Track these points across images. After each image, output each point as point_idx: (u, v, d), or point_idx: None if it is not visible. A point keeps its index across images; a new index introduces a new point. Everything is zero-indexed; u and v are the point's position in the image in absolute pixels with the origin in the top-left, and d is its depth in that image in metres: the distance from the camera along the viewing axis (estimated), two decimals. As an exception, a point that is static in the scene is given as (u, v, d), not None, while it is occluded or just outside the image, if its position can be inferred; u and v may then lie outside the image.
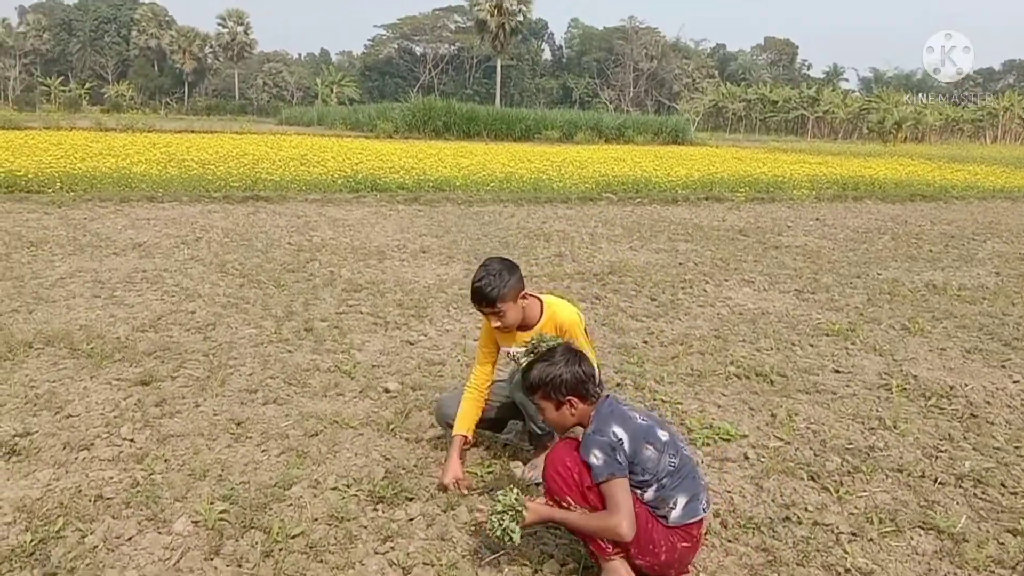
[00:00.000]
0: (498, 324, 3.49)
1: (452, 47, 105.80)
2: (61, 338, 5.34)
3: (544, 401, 2.88)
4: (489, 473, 3.67)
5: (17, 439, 3.78)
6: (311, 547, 2.98)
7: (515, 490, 2.75)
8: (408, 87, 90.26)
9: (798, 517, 3.33)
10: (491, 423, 3.87)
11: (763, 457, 3.92)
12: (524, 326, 3.55)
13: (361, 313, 6.37)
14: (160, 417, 4.14)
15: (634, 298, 7.26)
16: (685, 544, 2.75)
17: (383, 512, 3.28)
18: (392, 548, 3.01)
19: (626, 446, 2.68)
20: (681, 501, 2.72)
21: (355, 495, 3.40)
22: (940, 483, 3.70)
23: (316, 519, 3.19)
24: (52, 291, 6.64)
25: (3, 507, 3.16)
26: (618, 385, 4.90)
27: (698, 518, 2.76)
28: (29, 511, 3.14)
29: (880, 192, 17.89)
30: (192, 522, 3.11)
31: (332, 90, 79.19)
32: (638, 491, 2.70)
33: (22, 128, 30.84)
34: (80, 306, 6.22)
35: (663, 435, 2.78)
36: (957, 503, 3.50)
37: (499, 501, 2.72)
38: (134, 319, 5.93)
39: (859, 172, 20.72)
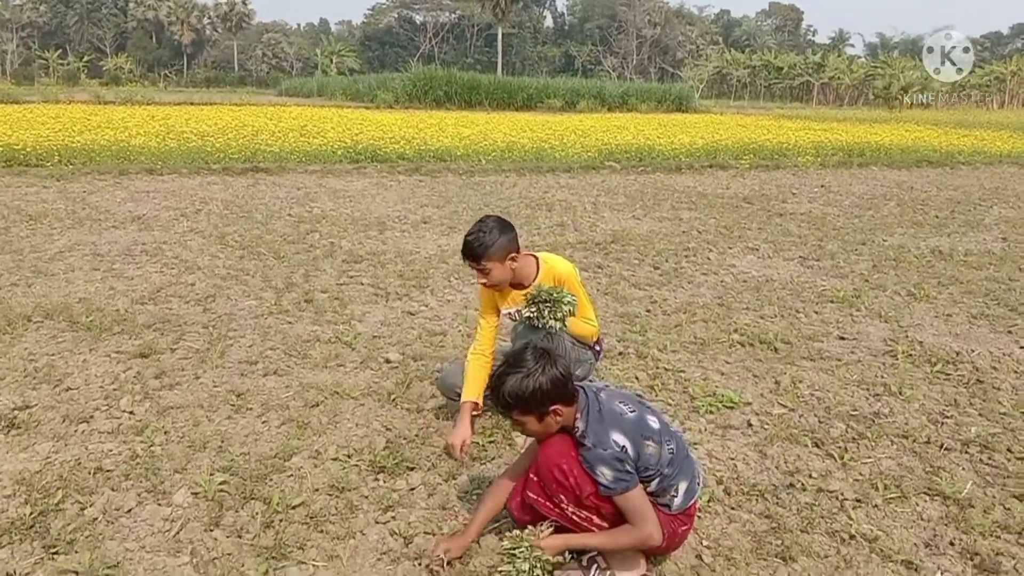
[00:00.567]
0: (483, 281, 3.52)
1: (452, 15, 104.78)
2: (60, 311, 5.31)
3: (524, 416, 2.54)
4: (491, 443, 3.64)
5: (16, 412, 3.76)
6: (312, 517, 2.97)
7: (523, 543, 2.56)
8: (408, 56, 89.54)
9: (802, 484, 3.30)
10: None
11: (767, 424, 3.89)
12: (520, 284, 3.59)
13: (362, 284, 6.33)
14: (160, 389, 4.11)
15: (637, 267, 7.20)
16: (685, 527, 2.69)
17: (384, 482, 3.26)
18: (393, 518, 2.99)
19: (630, 452, 2.51)
20: (682, 487, 2.62)
21: (356, 465, 3.38)
22: (946, 449, 3.66)
23: (317, 489, 3.17)
24: (51, 264, 6.60)
25: (3, 480, 3.14)
26: (620, 354, 4.86)
27: (696, 497, 2.71)
28: (29, 484, 3.12)
29: (886, 158, 17.73)
30: (192, 493, 3.09)
31: (332, 60, 78.64)
32: (641, 485, 2.58)
33: (20, 102, 30.65)
34: (79, 279, 6.19)
35: (653, 422, 2.61)
36: (963, 469, 3.47)
37: (515, 557, 2.56)
38: (133, 292, 5.89)
39: (865, 138, 20.53)
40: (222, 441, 3.56)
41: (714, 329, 5.39)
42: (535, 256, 3.65)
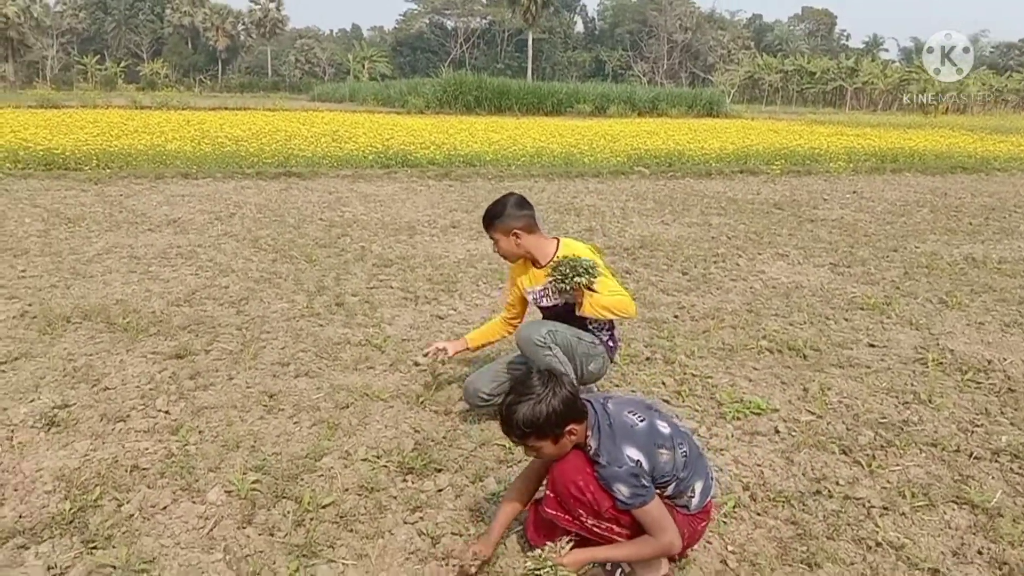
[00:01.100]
0: (496, 250, 3.82)
1: (483, 20, 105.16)
2: (98, 312, 5.44)
3: (540, 442, 2.54)
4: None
5: (56, 411, 3.86)
6: (341, 516, 3.03)
7: (546, 563, 2.58)
8: (439, 62, 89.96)
9: (829, 491, 3.30)
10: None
11: (794, 431, 3.89)
12: (538, 263, 3.79)
13: (391, 288, 6.40)
14: (194, 390, 4.20)
15: (665, 272, 7.20)
16: (703, 524, 2.72)
17: (412, 483, 3.31)
18: (421, 518, 3.04)
19: (645, 465, 2.52)
20: (698, 487, 2.64)
21: (385, 466, 3.43)
22: (975, 458, 3.64)
23: (347, 489, 3.23)
24: (89, 267, 6.75)
25: (44, 476, 3.24)
26: (648, 360, 4.88)
27: (711, 495, 2.73)
28: (68, 480, 3.21)
29: (920, 164, 17.51)
30: (225, 492, 3.17)
31: (364, 66, 79.22)
32: (658, 491, 2.60)
33: (60, 107, 31.27)
34: (116, 281, 6.33)
35: (663, 427, 2.61)
36: (993, 478, 3.45)
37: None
38: (169, 294, 6.01)
39: (898, 144, 20.30)
40: (255, 441, 3.63)
41: (742, 335, 5.38)
42: (557, 239, 3.80)
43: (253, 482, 3.22)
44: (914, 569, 2.79)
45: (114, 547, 2.78)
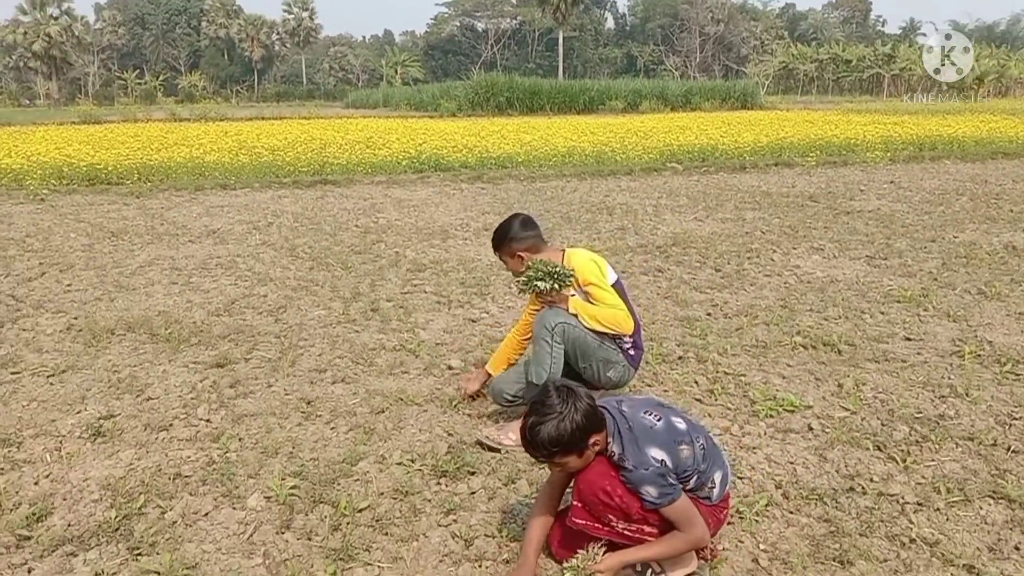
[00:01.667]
0: (507, 269, 3.95)
1: (513, 21, 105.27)
2: (141, 324, 5.58)
3: (566, 457, 2.57)
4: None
5: (102, 421, 3.99)
6: (377, 520, 3.09)
7: (584, 573, 2.60)
8: (471, 64, 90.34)
9: (862, 487, 3.29)
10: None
11: (828, 428, 3.87)
12: None
13: (425, 292, 6.47)
14: (234, 398, 4.31)
15: (698, 270, 7.19)
16: (724, 511, 2.77)
17: (446, 486, 3.37)
18: (455, 521, 3.09)
19: (669, 464, 2.56)
20: (717, 477, 2.69)
21: (419, 470, 3.49)
22: (1013, 452, 3.59)
23: (382, 493, 3.29)
24: (132, 279, 6.93)
25: (90, 485, 3.35)
26: (680, 358, 4.88)
27: (730, 482, 2.78)
28: (114, 489, 3.32)
29: (959, 151, 17.19)
30: (264, 498, 3.25)
31: (396, 71, 79.95)
32: (681, 486, 2.63)
33: (102, 122, 32.04)
34: (158, 293, 6.49)
35: (679, 423, 2.67)
36: (1031, 472, 3.41)
37: None
38: (209, 304, 6.15)
39: (937, 131, 19.92)
40: (293, 447, 3.72)
41: (776, 332, 5.36)
42: (563, 251, 3.84)
43: (291, 488, 3.30)
44: (949, 565, 2.77)
45: (158, 553, 2.88)
